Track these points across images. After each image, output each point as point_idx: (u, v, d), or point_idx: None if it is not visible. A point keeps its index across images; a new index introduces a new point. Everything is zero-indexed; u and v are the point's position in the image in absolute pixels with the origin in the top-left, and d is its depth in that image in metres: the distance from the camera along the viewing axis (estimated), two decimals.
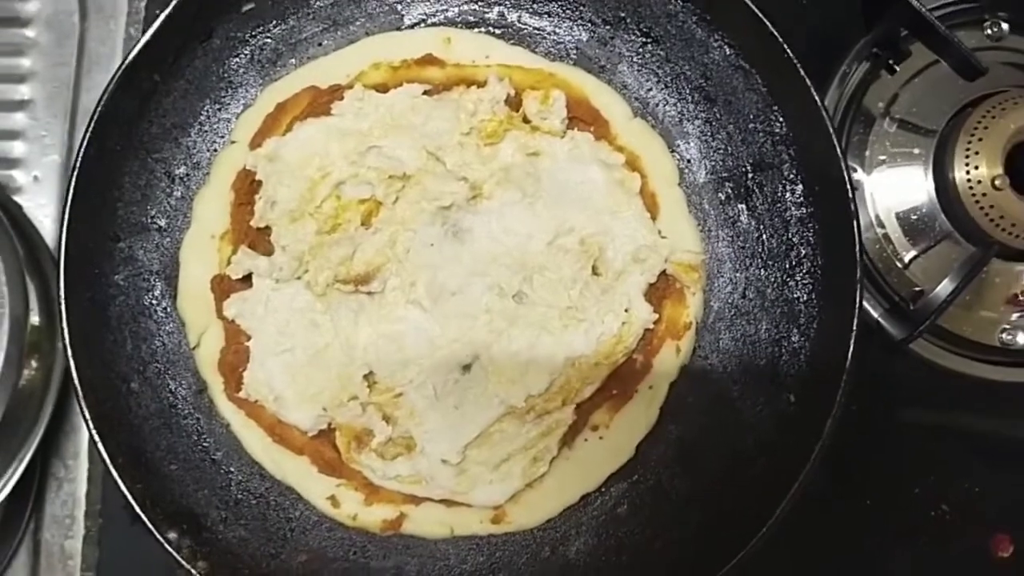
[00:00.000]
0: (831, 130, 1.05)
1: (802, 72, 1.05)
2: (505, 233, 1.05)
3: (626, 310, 1.06)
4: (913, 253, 1.28)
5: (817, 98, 1.05)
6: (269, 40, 1.12)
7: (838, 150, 1.05)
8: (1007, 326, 1.26)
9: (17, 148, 1.31)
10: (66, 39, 1.36)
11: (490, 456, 1.03)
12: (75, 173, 1.02)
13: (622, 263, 1.06)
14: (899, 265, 1.27)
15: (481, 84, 1.09)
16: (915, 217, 1.28)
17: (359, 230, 1.05)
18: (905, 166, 1.29)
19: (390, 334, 1.03)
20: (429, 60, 1.10)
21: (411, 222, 1.05)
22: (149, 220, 1.09)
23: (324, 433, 1.04)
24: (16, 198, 1.26)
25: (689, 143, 1.12)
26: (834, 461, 1.25)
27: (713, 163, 1.12)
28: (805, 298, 1.08)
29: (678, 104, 1.13)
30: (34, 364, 1.15)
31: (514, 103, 1.10)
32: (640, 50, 1.13)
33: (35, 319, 1.16)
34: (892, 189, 1.29)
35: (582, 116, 1.10)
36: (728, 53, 1.10)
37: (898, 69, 1.32)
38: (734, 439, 1.06)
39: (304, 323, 1.04)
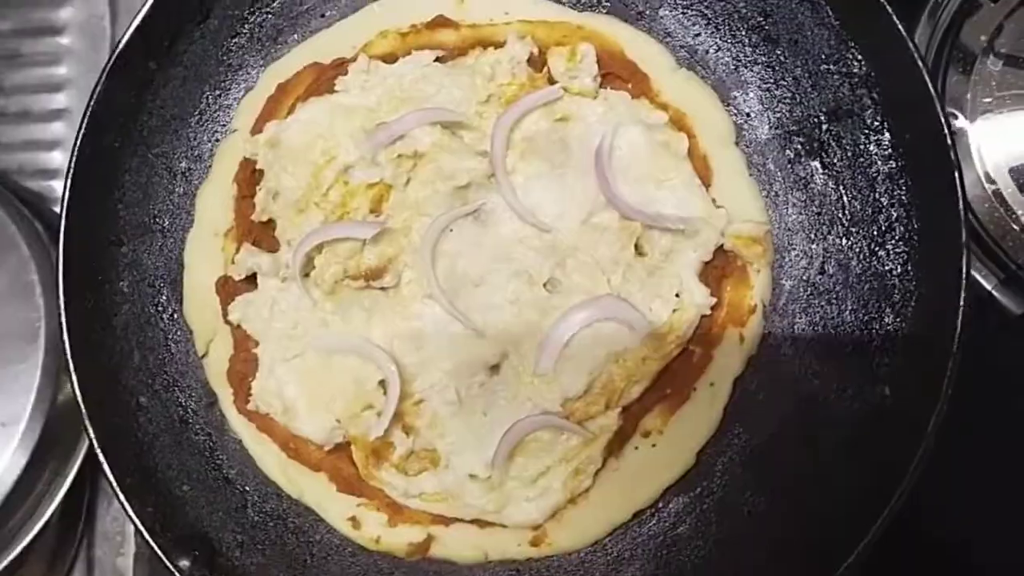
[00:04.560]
0: (920, 64, 0.87)
1: None
2: (531, 212, 0.92)
3: (677, 294, 0.90)
4: None
5: (901, 27, 0.87)
6: (269, 15, 1.02)
7: (930, 87, 0.87)
8: None
9: (56, 158, 1.28)
10: (99, 43, 1.34)
11: (525, 469, 0.90)
12: (71, 174, 0.95)
13: (670, 240, 0.90)
14: (1016, 228, 1.07)
15: (500, 45, 0.96)
16: None
17: (368, 218, 0.93)
18: (1017, 110, 1.09)
19: (407, 333, 0.92)
20: (441, 23, 0.98)
21: (426, 205, 0.92)
22: (152, 221, 1.01)
23: (341, 447, 0.94)
24: (56, 209, 1.21)
25: (748, 93, 0.96)
26: (940, 470, 1.05)
27: (778, 115, 0.95)
28: (899, 270, 0.90)
29: (733, 49, 0.96)
30: None
31: (538, 63, 0.96)
32: None
33: None
34: (1002, 139, 1.10)
35: (618, 72, 0.95)
36: None
37: None
38: (816, 442, 0.89)
39: (313, 325, 0.93)
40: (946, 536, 1.04)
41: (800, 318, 0.92)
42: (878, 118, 0.91)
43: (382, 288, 0.93)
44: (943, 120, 0.86)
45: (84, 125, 0.96)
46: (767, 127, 0.95)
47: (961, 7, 1.10)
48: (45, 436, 1.07)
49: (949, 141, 0.85)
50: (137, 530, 0.92)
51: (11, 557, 1.08)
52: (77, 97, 1.30)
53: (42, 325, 1.09)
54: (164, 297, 1.00)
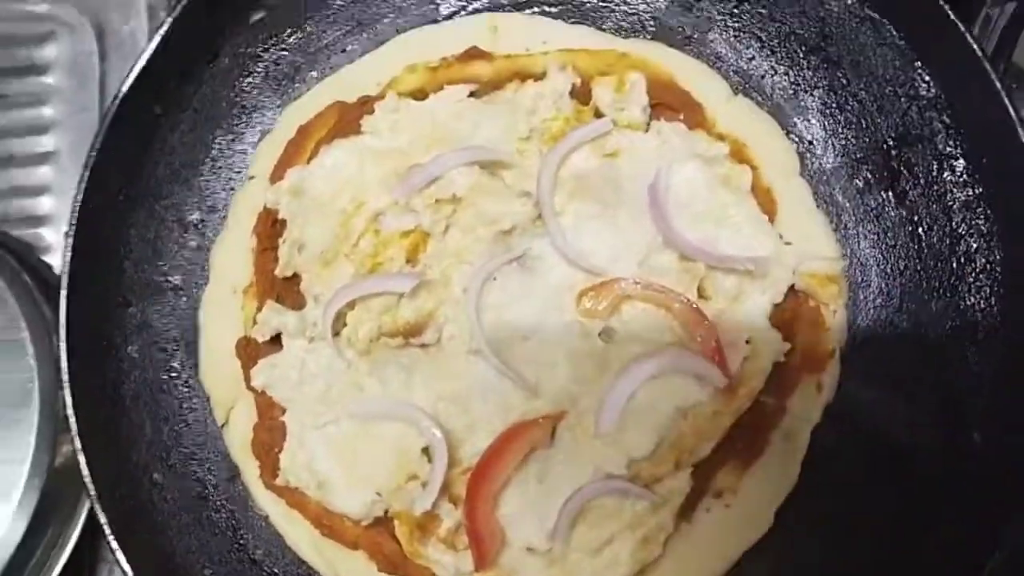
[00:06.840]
0: (997, 83, 0.81)
1: (950, 14, 0.81)
2: (583, 257, 0.84)
3: (747, 341, 0.83)
4: None
5: (975, 44, 0.81)
6: (285, 52, 0.95)
7: (1010, 108, 0.81)
8: None
9: (44, 204, 1.19)
10: (87, 82, 1.25)
11: (589, 539, 0.81)
12: (72, 230, 0.87)
13: (736, 282, 0.83)
14: None
15: (539, 76, 0.89)
16: None
17: (404, 269, 0.85)
18: None
19: (452, 394, 0.84)
20: (474, 54, 0.91)
21: (466, 254, 0.85)
22: (162, 278, 0.92)
23: (381, 522, 0.85)
24: (46, 258, 1.13)
25: (810, 120, 0.90)
26: None
27: (843, 142, 0.90)
28: (982, 305, 0.83)
29: (790, 73, 0.91)
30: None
31: (581, 95, 0.90)
32: (735, 10, 0.91)
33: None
34: None
35: (668, 101, 0.89)
36: (850, 1, 0.88)
37: None
38: (903, 494, 0.81)
39: (347, 388, 0.85)
40: None
41: (879, 361, 0.85)
42: (951, 143, 0.85)
43: (422, 345, 0.85)
44: None
45: (86, 178, 0.88)
46: (832, 155, 0.89)
47: (1013, 20, 1.04)
48: (43, 503, 0.98)
49: None
50: None
51: None
52: (65, 139, 1.21)
53: (35, 386, 1.00)
54: (178, 362, 0.91)
